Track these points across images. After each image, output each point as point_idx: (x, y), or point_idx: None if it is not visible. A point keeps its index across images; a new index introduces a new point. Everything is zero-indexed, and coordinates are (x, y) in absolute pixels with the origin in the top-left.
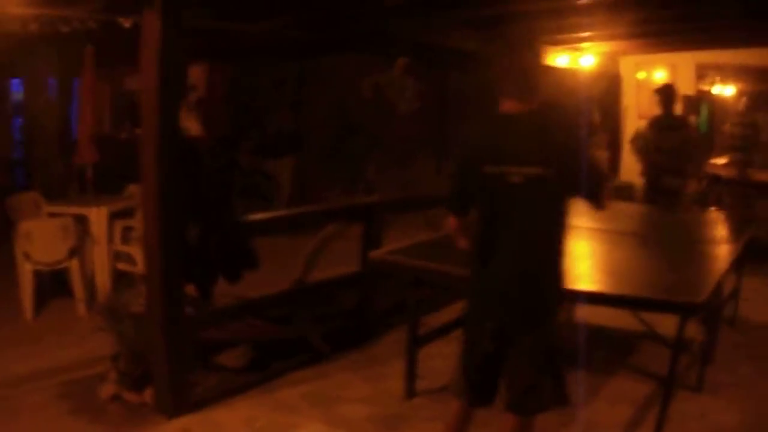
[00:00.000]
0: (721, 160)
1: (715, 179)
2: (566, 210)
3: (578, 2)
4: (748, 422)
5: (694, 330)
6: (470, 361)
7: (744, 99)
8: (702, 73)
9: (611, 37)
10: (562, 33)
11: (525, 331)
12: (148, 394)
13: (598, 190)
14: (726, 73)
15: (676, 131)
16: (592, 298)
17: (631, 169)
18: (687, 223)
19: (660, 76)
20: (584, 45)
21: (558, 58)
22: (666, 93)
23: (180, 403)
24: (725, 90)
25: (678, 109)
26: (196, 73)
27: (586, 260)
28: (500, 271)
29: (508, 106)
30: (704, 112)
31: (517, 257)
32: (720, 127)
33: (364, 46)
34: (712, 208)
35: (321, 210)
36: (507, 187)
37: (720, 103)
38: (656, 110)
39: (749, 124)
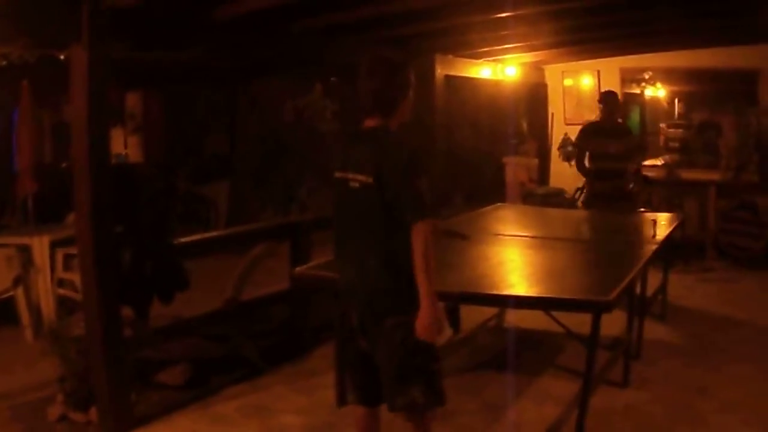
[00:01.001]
0: (654, 162)
1: (644, 180)
2: (399, 220)
3: (495, 16)
4: (673, 414)
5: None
6: (347, 360)
7: (679, 101)
8: (627, 77)
9: (535, 48)
10: (484, 46)
11: (378, 327)
12: (93, 413)
13: (409, 208)
14: (654, 76)
15: (622, 138)
16: (507, 301)
17: (560, 175)
18: (611, 225)
19: (586, 82)
20: (508, 56)
21: (482, 70)
22: (609, 100)
23: (122, 421)
24: (658, 92)
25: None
26: (134, 101)
27: (506, 266)
28: (349, 270)
29: (367, 122)
30: (635, 115)
31: (358, 257)
32: (653, 129)
33: (288, 69)
34: (641, 209)
35: (248, 231)
36: (348, 192)
37: (653, 105)
38: (587, 116)
39: (687, 126)
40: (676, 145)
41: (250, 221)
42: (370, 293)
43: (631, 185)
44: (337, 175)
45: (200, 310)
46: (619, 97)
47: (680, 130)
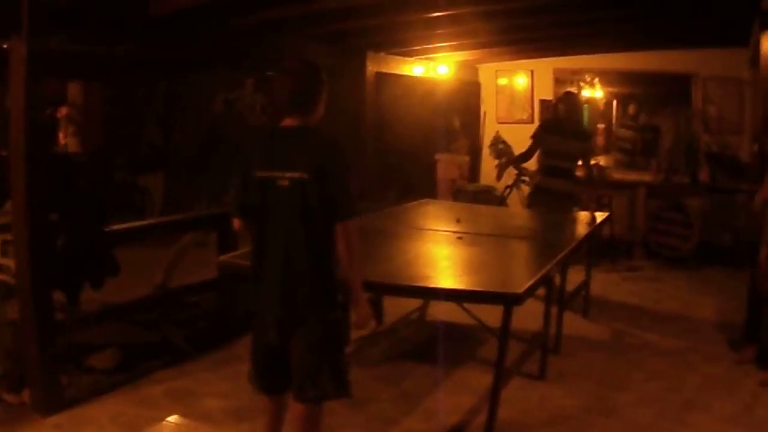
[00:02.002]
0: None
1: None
2: (330, 216)
3: (428, 15)
4: (588, 407)
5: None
6: (258, 353)
7: (614, 102)
8: (561, 77)
9: (469, 47)
10: (417, 44)
11: (298, 324)
12: (25, 395)
13: (339, 206)
14: (594, 77)
15: (580, 140)
16: (419, 292)
17: (490, 172)
18: (536, 222)
19: (520, 82)
20: (441, 55)
21: (414, 68)
22: (570, 101)
23: (53, 402)
24: (596, 93)
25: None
26: (74, 91)
27: (424, 259)
28: (272, 268)
29: (287, 121)
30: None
31: (285, 255)
32: (593, 129)
33: (221, 63)
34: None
35: (178, 220)
36: (276, 190)
37: (594, 106)
38: (519, 115)
39: (642, 128)
40: (628, 146)
41: (184, 211)
42: (294, 289)
43: (576, 184)
44: (260, 174)
45: (131, 296)
46: (552, 98)
47: (631, 132)
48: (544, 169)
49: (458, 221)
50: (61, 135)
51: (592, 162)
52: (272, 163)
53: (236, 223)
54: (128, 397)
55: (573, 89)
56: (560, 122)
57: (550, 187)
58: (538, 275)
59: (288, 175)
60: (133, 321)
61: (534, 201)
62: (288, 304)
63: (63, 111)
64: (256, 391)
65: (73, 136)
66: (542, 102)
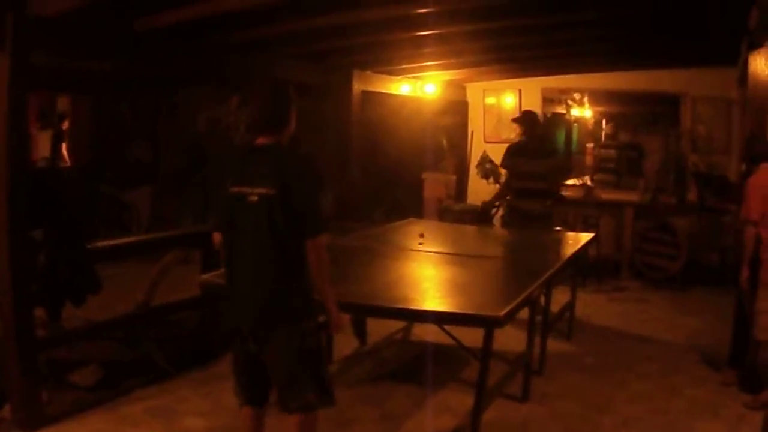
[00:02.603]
0: (572, 182)
1: (561, 200)
2: (295, 233)
3: (415, 34)
4: (571, 428)
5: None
6: (238, 365)
7: (608, 122)
8: (549, 96)
9: (456, 66)
10: (403, 63)
11: (270, 334)
12: (6, 411)
13: (308, 222)
14: (583, 96)
15: (545, 158)
16: (400, 314)
17: (477, 192)
18: (521, 243)
19: (508, 101)
20: (428, 74)
21: (401, 87)
22: (526, 120)
23: (34, 419)
24: (585, 113)
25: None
26: (64, 104)
27: (407, 280)
28: (243, 279)
29: (260, 139)
30: (561, 135)
31: (255, 266)
32: (580, 149)
33: (206, 80)
34: (558, 228)
35: (162, 237)
36: (246, 206)
37: (581, 125)
38: (507, 134)
39: (624, 147)
40: (607, 165)
41: (170, 228)
42: (265, 302)
43: (548, 203)
44: (233, 190)
45: (113, 313)
46: (539, 116)
47: (612, 151)
48: (515, 192)
49: (421, 236)
50: (64, 147)
51: (580, 181)
52: (244, 179)
53: (217, 238)
54: (109, 415)
55: (561, 109)
56: (523, 143)
57: (521, 207)
58: (520, 298)
59: (257, 190)
60: (115, 338)
61: (507, 223)
62: (259, 317)
63: (66, 124)
64: (240, 404)
65: (62, 150)
66: None
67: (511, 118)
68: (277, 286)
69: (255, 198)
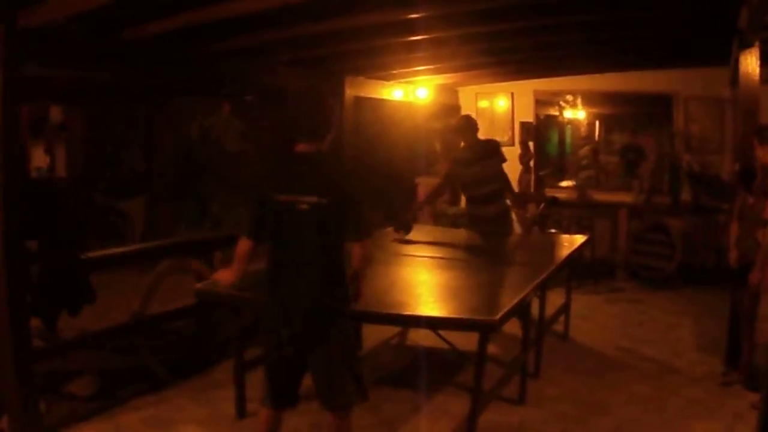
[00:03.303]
0: (566, 183)
1: (554, 202)
2: (342, 237)
3: (407, 39)
4: (567, 430)
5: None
6: (272, 367)
7: (596, 123)
8: (542, 99)
9: (448, 70)
10: (395, 68)
11: (320, 342)
12: (4, 422)
13: (359, 227)
14: (576, 98)
15: (488, 159)
16: (395, 320)
17: None
18: (513, 247)
19: (501, 104)
20: (420, 78)
21: (394, 92)
22: (466, 125)
23: (31, 429)
24: (578, 114)
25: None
26: (56, 113)
27: (400, 285)
28: (290, 285)
29: (300, 147)
30: (554, 137)
31: (303, 273)
32: (574, 150)
33: (197, 89)
34: (552, 231)
35: (156, 246)
36: (295, 214)
37: (577, 127)
38: (500, 137)
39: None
40: (585, 162)
41: (165, 237)
42: (314, 307)
43: (503, 203)
44: (282, 198)
45: (109, 323)
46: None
47: (587, 148)
48: (470, 199)
49: (398, 231)
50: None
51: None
52: (291, 187)
53: (244, 245)
54: (106, 424)
55: (554, 111)
56: (466, 150)
57: (479, 214)
58: (514, 301)
59: (307, 199)
60: (111, 348)
61: (468, 228)
62: (308, 322)
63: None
64: (269, 408)
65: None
66: (522, 124)
67: (504, 121)
68: (325, 292)
69: (305, 206)
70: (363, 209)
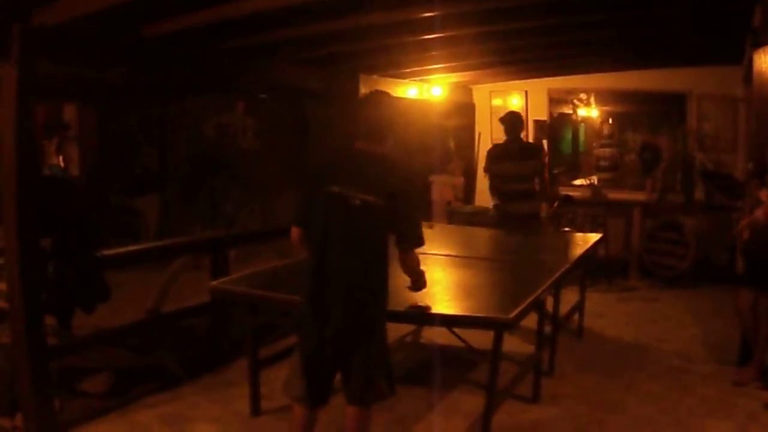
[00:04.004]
0: (579, 182)
1: (568, 200)
2: (387, 238)
3: (421, 38)
4: (581, 428)
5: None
6: (310, 366)
7: (610, 121)
8: (556, 97)
9: (462, 68)
10: (410, 67)
11: (363, 338)
12: (18, 419)
13: (409, 236)
14: (590, 96)
15: (528, 159)
16: (410, 318)
17: (485, 194)
18: (527, 245)
19: (515, 102)
20: (434, 76)
21: (408, 90)
22: (510, 121)
23: (46, 427)
24: (592, 112)
25: (529, 133)
26: (71, 113)
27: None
28: (336, 284)
29: (359, 144)
30: (567, 135)
31: (350, 272)
32: (588, 149)
33: (211, 87)
34: (566, 229)
35: (170, 244)
36: (347, 208)
37: (588, 125)
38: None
39: (616, 146)
40: (606, 164)
41: (179, 235)
42: (360, 304)
43: (535, 203)
44: (333, 189)
45: (123, 320)
46: (546, 118)
47: (609, 150)
48: (502, 194)
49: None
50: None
51: (587, 181)
52: (346, 181)
53: (295, 233)
54: (120, 422)
55: (568, 109)
56: (505, 145)
57: (511, 210)
58: (529, 299)
59: (361, 195)
60: (126, 345)
61: (499, 225)
62: (354, 318)
63: (70, 132)
64: (303, 405)
65: (70, 159)
66: (536, 122)
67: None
68: (372, 291)
69: (357, 202)
70: (418, 217)
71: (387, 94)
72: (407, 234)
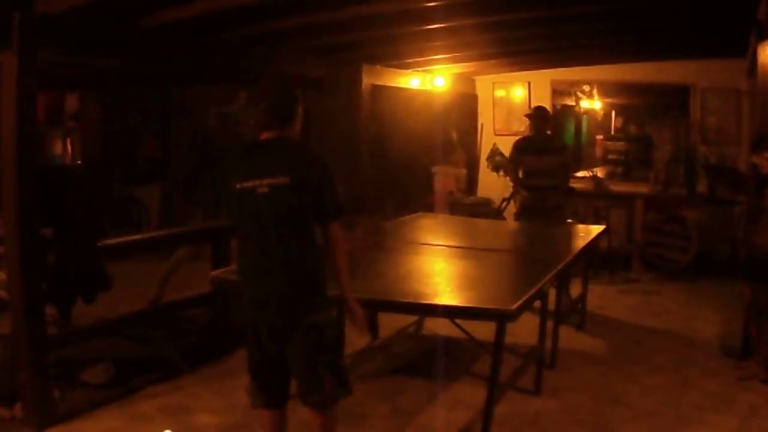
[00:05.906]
0: (582, 173)
1: (570, 192)
2: (311, 222)
3: (424, 28)
4: (583, 422)
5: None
6: (256, 366)
7: (617, 114)
8: (559, 89)
9: (465, 59)
10: (413, 57)
11: (292, 328)
12: (18, 409)
13: (328, 208)
14: (593, 88)
15: (553, 154)
16: (412, 308)
17: (487, 185)
18: (533, 236)
19: (518, 93)
20: (437, 67)
21: (411, 80)
22: (536, 115)
23: (46, 417)
24: (594, 104)
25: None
26: (73, 102)
27: (417, 274)
28: (260, 276)
29: (263, 135)
30: (570, 127)
31: (271, 262)
32: (590, 140)
33: (214, 76)
34: (569, 221)
35: (171, 234)
36: (255, 199)
37: (590, 117)
38: (516, 127)
39: (626, 139)
40: (615, 157)
41: (181, 225)
42: (286, 296)
43: (559, 197)
44: (241, 185)
45: (124, 310)
46: (548, 109)
47: (620, 143)
48: (527, 188)
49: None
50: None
51: (589, 173)
52: (250, 173)
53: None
54: (121, 412)
55: (571, 101)
56: (532, 140)
57: (533, 205)
58: (531, 291)
59: (266, 181)
60: (127, 335)
61: (522, 217)
62: (280, 310)
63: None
64: (256, 407)
65: (72, 147)
66: None
67: (520, 110)
68: (295, 280)
69: (265, 189)
70: (333, 186)
71: (285, 78)
72: (325, 206)
